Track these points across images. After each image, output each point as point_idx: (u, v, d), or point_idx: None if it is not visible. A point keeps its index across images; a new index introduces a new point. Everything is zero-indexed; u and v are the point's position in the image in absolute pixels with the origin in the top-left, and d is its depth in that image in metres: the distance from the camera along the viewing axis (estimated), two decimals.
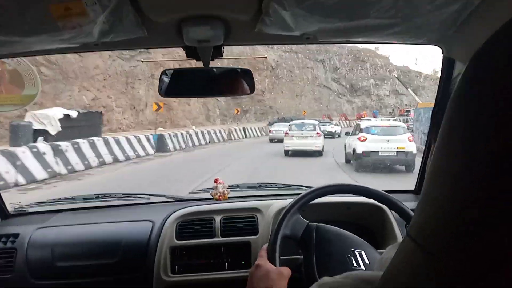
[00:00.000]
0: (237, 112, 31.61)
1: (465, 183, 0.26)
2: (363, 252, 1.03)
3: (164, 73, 1.39)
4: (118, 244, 1.56)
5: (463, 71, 0.29)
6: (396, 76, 60.09)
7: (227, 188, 1.84)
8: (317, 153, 14.19)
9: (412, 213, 1.02)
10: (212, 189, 1.84)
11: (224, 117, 40.35)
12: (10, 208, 1.77)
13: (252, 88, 1.40)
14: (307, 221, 1.08)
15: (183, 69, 1.48)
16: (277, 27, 1.08)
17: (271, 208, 1.59)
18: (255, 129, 29.49)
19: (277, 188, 2.05)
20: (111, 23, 1.02)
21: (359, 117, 40.62)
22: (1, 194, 1.72)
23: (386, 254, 0.58)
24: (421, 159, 1.77)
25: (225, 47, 1.28)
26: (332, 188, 1.13)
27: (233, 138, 24.54)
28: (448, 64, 1.37)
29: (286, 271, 0.87)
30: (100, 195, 1.95)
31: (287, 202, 1.18)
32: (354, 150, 10.65)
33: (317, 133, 14.45)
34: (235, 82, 1.41)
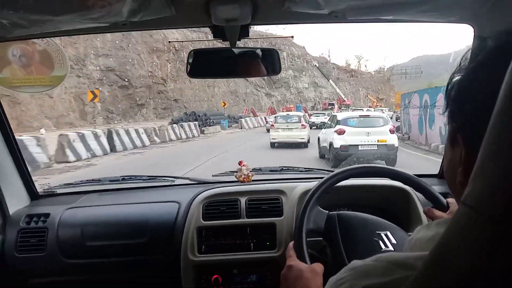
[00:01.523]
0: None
1: None
2: (389, 233, 1.03)
3: (191, 53, 1.36)
4: (146, 224, 1.57)
5: None
6: (318, 66, 55.75)
7: (251, 171, 1.85)
8: (303, 145, 13.98)
9: (440, 196, 1.03)
10: (236, 171, 1.85)
11: (110, 113, 29.14)
12: (39, 189, 1.82)
13: (279, 69, 1.40)
14: (327, 211, 1.09)
15: (209, 49, 1.46)
16: (305, 4, 1.08)
17: (295, 190, 1.61)
18: (138, 131, 16.09)
19: (299, 172, 2.04)
20: (140, 2, 1.01)
21: (287, 110, 34.31)
22: (31, 175, 1.75)
23: (415, 235, 0.56)
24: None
25: (251, 27, 1.27)
26: (353, 171, 1.11)
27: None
28: (479, 43, 1.33)
29: (319, 267, 0.88)
30: (126, 177, 1.95)
31: (311, 184, 1.28)
32: (331, 144, 9.62)
33: (302, 124, 14.33)
34: (262, 62, 1.39)
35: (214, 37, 1.28)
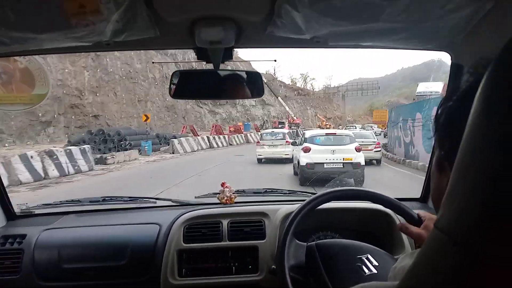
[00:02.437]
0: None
1: (506, 174, 0.25)
2: (369, 256, 1.04)
3: (174, 74, 1.36)
4: (126, 247, 1.54)
5: (489, 69, 0.29)
6: (266, 82, 52.26)
7: (234, 193, 1.83)
8: (288, 160, 13.60)
9: (411, 210, 1.05)
10: (218, 193, 1.84)
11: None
12: (16, 210, 1.77)
13: (262, 91, 1.41)
14: (305, 244, 1.10)
15: (193, 71, 1.45)
16: (288, 29, 1.11)
17: (278, 213, 1.59)
18: None
19: (282, 194, 2.04)
20: (124, 22, 1.01)
21: (236, 130, 29.18)
22: (8, 196, 1.71)
23: (399, 263, 0.58)
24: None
25: (235, 49, 1.28)
26: (331, 195, 1.11)
27: None
28: (456, 71, 1.36)
29: None
30: (106, 198, 1.92)
31: (293, 207, 1.29)
32: (298, 162, 9.77)
33: (287, 141, 14.59)
34: (245, 85, 1.40)
35: (198, 59, 1.29)
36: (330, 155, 9.35)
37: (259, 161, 14.67)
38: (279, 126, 39.79)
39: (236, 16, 1.06)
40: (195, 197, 2.01)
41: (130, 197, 1.96)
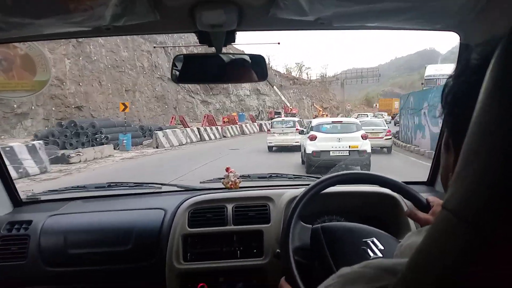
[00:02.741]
0: None
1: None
2: (375, 239, 1.04)
3: (176, 59, 1.34)
4: (131, 232, 1.55)
5: (499, 47, 0.29)
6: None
7: (238, 178, 1.85)
8: (297, 148, 13.54)
9: (420, 195, 1.04)
10: (223, 178, 1.85)
11: None
12: (22, 196, 1.79)
13: (266, 74, 1.39)
14: (311, 226, 1.10)
15: (195, 54, 1.49)
16: (291, 11, 1.08)
17: (283, 197, 1.60)
18: None
19: (287, 179, 2.04)
20: (124, 6, 1.00)
21: (230, 120, 27.54)
22: (14, 182, 1.73)
23: (405, 241, 0.58)
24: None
25: (237, 32, 1.26)
26: (337, 178, 1.10)
27: None
28: (465, 50, 1.37)
29: None
30: (112, 184, 1.94)
31: (298, 191, 1.23)
32: (304, 150, 9.81)
33: (297, 129, 14.62)
34: (248, 68, 1.38)
35: (199, 43, 1.27)
36: (336, 142, 9.30)
37: (270, 149, 14.79)
38: (275, 116, 38.11)
39: None
40: (200, 182, 2.04)
41: (135, 183, 1.98)
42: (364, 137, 9.47)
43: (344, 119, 12.30)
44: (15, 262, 1.49)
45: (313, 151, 9.24)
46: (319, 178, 1.25)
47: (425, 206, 0.97)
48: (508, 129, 0.26)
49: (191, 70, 1.36)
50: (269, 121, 29.84)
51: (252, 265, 1.51)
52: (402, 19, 1.14)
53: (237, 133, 27.79)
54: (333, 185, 1.10)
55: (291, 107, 43.93)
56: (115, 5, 0.96)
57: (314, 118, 49.31)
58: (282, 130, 15.25)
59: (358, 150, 9.23)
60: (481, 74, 0.29)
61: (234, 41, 1.28)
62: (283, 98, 45.54)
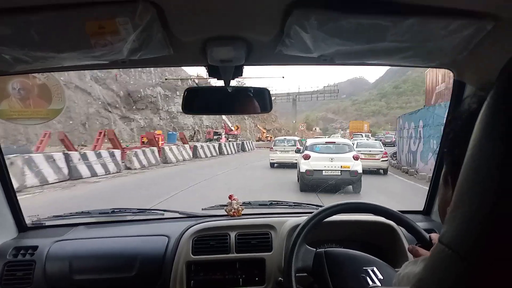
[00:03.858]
0: None
1: (508, 194, 0.27)
2: (375, 269, 1.06)
3: (187, 91, 1.40)
4: (135, 258, 1.56)
5: (491, 92, 0.31)
6: (196, 83, 43.72)
7: (241, 205, 1.86)
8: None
9: (424, 232, 1.07)
10: (225, 205, 1.86)
11: None
12: (27, 221, 1.80)
13: (270, 106, 1.45)
14: (315, 249, 1.12)
15: (204, 87, 1.61)
16: (296, 48, 1.14)
17: (285, 225, 1.60)
18: None
19: (288, 206, 2.06)
20: (141, 42, 1.05)
21: (150, 141, 20.15)
22: (20, 207, 1.74)
23: (403, 270, 0.60)
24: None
25: (245, 67, 1.32)
26: (339, 208, 1.14)
27: None
28: (459, 87, 1.42)
29: None
30: (115, 210, 1.94)
31: (300, 219, 1.37)
32: (299, 169, 10.29)
33: (297, 147, 15.38)
34: (254, 101, 1.44)
35: (209, 76, 1.32)
36: (328, 162, 9.63)
37: (272, 165, 16.10)
38: (214, 137, 31.74)
39: (247, 36, 1.11)
40: (202, 209, 2.03)
41: (138, 209, 1.99)
42: (355, 158, 9.73)
43: (337, 140, 12.48)
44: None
45: (306, 169, 9.59)
46: (319, 206, 1.36)
47: (428, 244, 1.01)
48: (497, 173, 0.28)
49: (200, 101, 1.43)
50: (206, 143, 23.47)
51: None
52: (400, 57, 1.20)
53: (154, 161, 17.49)
54: (333, 214, 1.13)
55: (232, 127, 38.09)
56: (133, 41, 1.02)
57: (257, 140, 44.28)
58: (284, 148, 16.27)
59: (349, 170, 9.48)
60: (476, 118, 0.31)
61: (241, 75, 1.34)
62: (223, 117, 39.58)
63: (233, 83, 1.42)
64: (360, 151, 12.87)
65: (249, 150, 31.69)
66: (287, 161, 15.33)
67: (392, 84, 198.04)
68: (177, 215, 1.96)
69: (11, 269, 1.52)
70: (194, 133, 40.79)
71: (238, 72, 1.32)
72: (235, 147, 29.43)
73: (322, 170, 9.53)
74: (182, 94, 1.39)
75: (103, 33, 0.97)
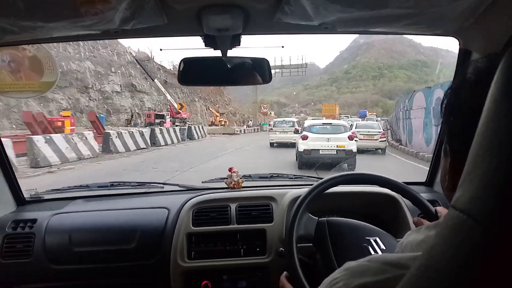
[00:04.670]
0: None
1: None
2: (377, 239, 1.06)
3: (182, 61, 1.36)
4: (135, 231, 1.56)
5: (505, 56, 0.30)
6: (137, 60, 36.53)
7: (241, 178, 1.85)
8: (294, 144, 14.65)
9: (429, 204, 1.08)
10: (225, 178, 1.86)
11: None
12: (26, 195, 1.79)
13: (269, 77, 1.40)
14: (317, 218, 1.12)
15: (200, 57, 1.45)
16: (296, 16, 1.10)
17: (286, 196, 1.61)
18: None
19: (288, 179, 2.05)
20: (133, 10, 1.01)
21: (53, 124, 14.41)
22: (18, 181, 1.73)
23: (406, 239, 0.59)
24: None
25: (243, 36, 1.27)
26: (342, 178, 1.14)
27: None
28: (464, 56, 1.37)
29: None
30: (114, 183, 1.94)
31: (301, 191, 1.32)
32: (297, 148, 10.71)
33: (295, 128, 15.94)
34: (252, 71, 1.40)
35: (205, 46, 1.29)
36: (325, 142, 10.01)
37: (271, 145, 16.77)
38: (156, 121, 25.67)
39: (243, 3, 1.06)
40: (202, 182, 2.02)
41: (137, 182, 1.98)
42: (350, 138, 10.19)
43: (333, 121, 12.76)
44: (20, 260, 1.51)
45: (304, 149, 9.98)
46: (319, 178, 1.33)
47: (433, 216, 1.01)
48: None
49: (196, 72, 1.39)
50: (147, 128, 17.00)
51: (255, 263, 1.53)
52: (404, 24, 1.17)
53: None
54: (335, 185, 1.13)
55: (180, 110, 32.05)
56: (124, 9, 0.99)
57: (210, 124, 38.72)
58: (283, 129, 16.88)
59: (345, 150, 9.92)
60: (475, 89, 0.30)
61: (239, 45, 1.30)
62: (168, 98, 33.49)
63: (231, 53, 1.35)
64: (359, 131, 13.80)
65: (199, 138, 24.02)
66: (286, 141, 15.72)
67: (342, 69, 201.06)
68: (177, 188, 1.95)
69: (11, 241, 1.53)
70: (132, 116, 33.97)
71: (236, 42, 1.28)
72: (179, 133, 20.74)
73: (319, 149, 9.93)
74: (178, 65, 1.35)
75: (93, 1, 0.94)
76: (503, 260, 0.26)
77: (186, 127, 23.45)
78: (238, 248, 1.55)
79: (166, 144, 18.51)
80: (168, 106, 34.82)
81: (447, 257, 0.30)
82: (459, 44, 1.33)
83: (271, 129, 17.90)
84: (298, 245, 1.04)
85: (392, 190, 1.23)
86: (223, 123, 41.42)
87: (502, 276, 0.26)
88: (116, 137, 14.51)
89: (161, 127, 20.18)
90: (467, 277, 0.28)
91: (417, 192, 1.12)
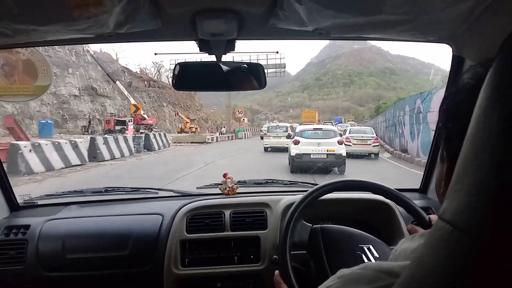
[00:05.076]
0: None
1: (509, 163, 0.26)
2: (371, 247, 1.06)
3: (178, 65, 1.34)
4: (128, 237, 1.54)
5: (496, 61, 0.30)
6: (96, 59, 33.04)
7: (236, 184, 1.84)
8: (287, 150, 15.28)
9: (423, 212, 1.07)
10: (220, 184, 1.84)
11: None
12: (19, 200, 1.77)
13: (264, 83, 1.39)
14: (311, 225, 1.11)
15: (195, 62, 1.46)
16: (290, 21, 1.11)
17: (280, 203, 1.60)
18: None
19: (283, 185, 2.04)
20: (127, 14, 1.01)
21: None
22: (12, 186, 1.71)
23: (399, 246, 0.59)
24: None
25: (237, 41, 1.28)
26: (336, 185, 1.13)
27: None
28: (457, 62, 1.39)
29: None
30: (109, 189, 1.92)
31: (295, 197, 1.31)
32: (289, 153, 11.11)
33: (288, 133, 16.36)
34: (247, 77, 1.39)
35: (200, 51, 1.28)
36: (316, 147, 10.48)
37: (265, 149, 17.02)
38: (116, 127, 22.86)
39: (238, 8, 1.06)
40: (197, 188, 2.00)
41: (132, 188, 1.95)
42: (340, 143, 10.63)
43: (324, 127, 13.27)
44: (13, 267, 1.48)
45: (296, 153, 10.39)
46: (314, 184, 1.32)
47: (427, 224, 1.00)
48: (503, 143, 0.27)
49: (191, 77, 1.37)
50: (104, 136, 13.94)
51: (250, 271, 1.51)
52: (397, 30, 1.17)
53: None
54: (330, 192, 1.12)
55: (145, 115, 29.16)
56: (118, 13, 0.97)
57: (179, 131, 35.88)
58: (277, 134, 17.32)
59: (334, 154, 10.31)
60: (475, 94, 0.31)
61: (233, 50, 1.29)
62: (132, 102, 30.43)
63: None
64: (352, 136, 14.35)
65: (160, 148, 19.32)
66: (280, 145, 15.88)
67: (313, 76, 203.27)
68: (172, 193, 1.94)
69: (3, 248, 1.51)
70: (90, 122, 30.53)
71: (230, 47, 1.28)
72: (132, 143, 16.14)
73: (311, 153, 10.35)
74: (173, 70, 1.32)
75: (87, 4, 0.93)
76: (495, 267, 0.26)
77: (143, 136, 19.18)
78: (232, 255, 1.54)
79: (113, 158, 13.89)
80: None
81: (436, 267, 0.30)
82: (452, 51, 1.34)
83: (265, 134, 18.48)
84: (292, 252, 1.03)
85: (385, 197, 1.22)
86: (193, 129, 38.78)
87: (495, 282, 0.26)
88: (30, 150, 9.89)
89: (107, 136, 15.61)
90: (458, 286, 0.28)
91: (411, 200, 1.11)
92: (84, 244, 1.53)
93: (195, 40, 1.25)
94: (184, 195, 1.87)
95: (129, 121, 26.86)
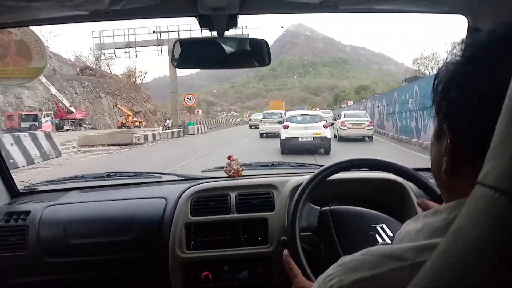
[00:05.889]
0: None
1: None
2: (384, 226, 1.03)
3: (176, 43, 1.29)
4: (132, 221, 1.52)
5: None
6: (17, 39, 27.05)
7: (241, 166, 1.80)
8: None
9: (434, 186, 1.02)
10: (225, 166, 1.80)
11: None
12: (19, 187, 1.76)
13: (269, 60, 1.34)
14: (319, 208, 1.08)
15: (195, 39, 1.43)
16: None
17: (287, 184, 1.57)
18: None
19: (290, 167, 2.01)
20: None
21: None
22: (11, 173, 1.69)
23: (403, 229, 0.57)
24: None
25: (240, 16, 1.22)
26: (343, 165, 1.10)
27: None
28: (473, 35, 1.32)
29: None
30: (110, 173, 1.89)
31: (302, 178, 1.28)
32: (280, 136, 12.00)
33: (283, 119, 16.69)
34: (250, 53, 1.34)
35: (200, 27, 1.23)
36: (303, 130, 11.39)
37: (261, 135, 18.14)
38: (23, 124, 18.15)
39: None
40: (201, 171, 1.97)
41: (134, 172, 1.93)
42: (325, 126, 11.53)
43: (310, 112, 14.58)
44: (14, 253, 1.47)
45: (286, 137, 11.42)
46: (321, 166, 1.24)
47: (438, 198, 0.96)
48: None
49: (191, 55, 1.32)
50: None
51: (257, 253, 1.49)
52: (409, 1, 1.12)
53: None
54: (337, 172, 1.09)
55: (72, 108, 24.00)
56: None
57: (119, 126, 30.87)
58: (272, 121, 18.00)
59: (320, 136, 11.23)
60: (482, 62, 0.28)
61: (236, 26, 1.24)
62: (53, 92, 25.23)
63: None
64: (347, 121, 15.29)
65: (29, 163, 9.49)
66: (274, 131, 15.93)
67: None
68: (175, 177, 1.92)
69: (4, 234, 1.50)
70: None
71: (233, 22, 1.21)
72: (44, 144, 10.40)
73: (299, 137, 11.29)
74: (172, 47, 1.27)
75: None
76: None
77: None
78: (239, 237, 1.52)
79: None
80: (56, 103, 26.19)
81: (480, 238, 0.27)
82: (468, 23, 1.26)
83: (261, 120, 19.06)
84: (301, 234, 1.01)
85: (395, 174, 1.17)
86: (137, 124, 33.79)
87: None
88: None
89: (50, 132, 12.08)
90: (499, 255, 0.26)
91: (421, 175, 1.07)
92: (86, 230, 1.51)
93: (195, 16, 1.18)
94: (188, 178, 1.86)
95: (46, 115, 21.59)
